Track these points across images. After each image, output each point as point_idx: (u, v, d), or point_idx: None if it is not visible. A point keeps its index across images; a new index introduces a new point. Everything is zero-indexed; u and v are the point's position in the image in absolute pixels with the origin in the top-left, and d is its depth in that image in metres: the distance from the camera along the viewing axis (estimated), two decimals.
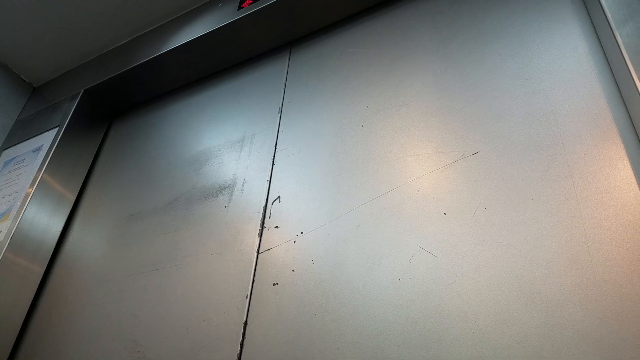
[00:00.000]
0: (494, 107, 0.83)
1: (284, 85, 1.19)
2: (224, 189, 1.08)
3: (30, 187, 1.24)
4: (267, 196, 1.00)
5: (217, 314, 0.88)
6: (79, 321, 1.07)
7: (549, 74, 0.81)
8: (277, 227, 0.94)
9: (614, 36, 0.71)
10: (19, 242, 1.16)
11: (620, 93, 0.73)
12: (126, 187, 1.28)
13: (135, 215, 1.18)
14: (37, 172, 1.27)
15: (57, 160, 1.29)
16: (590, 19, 0.82)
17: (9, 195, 1.28)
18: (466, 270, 0.68)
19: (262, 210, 0.98)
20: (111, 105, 1.49)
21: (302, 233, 0.89)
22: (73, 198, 1.33)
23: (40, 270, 1.20)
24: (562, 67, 0.81)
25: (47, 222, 1.24)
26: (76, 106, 1.37)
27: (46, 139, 1.34)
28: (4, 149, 1.45)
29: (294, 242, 0.89)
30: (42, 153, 1.30)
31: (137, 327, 0.97)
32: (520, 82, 0.83)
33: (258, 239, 0.94)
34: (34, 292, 1.18)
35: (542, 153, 0.73)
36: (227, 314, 0.87)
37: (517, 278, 0.65)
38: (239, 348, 0.81)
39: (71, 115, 1.35)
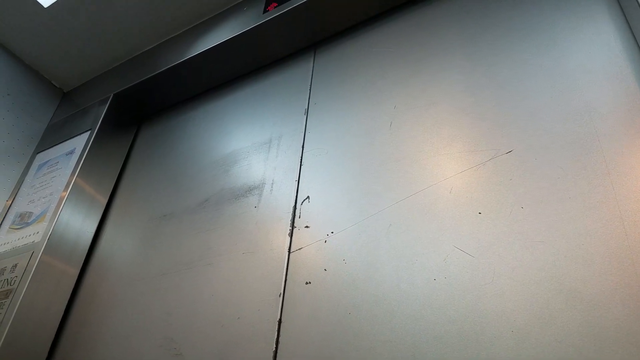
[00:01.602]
0: (527, 105, 0.82)
1: (309, 87, 1.21)
2: (254, 189, 1.10)
3: (64, 191, 1.28)
4: (296, 196, 1.01)
5: (251, 312, 0.90)
6: (114, 320, 1.10)
7: (582, 72, 0.80)
8: (307, 226, 0.95)
9: None
10: (54, 243, 1.20)
11: None
12: (157, 188, 1.31)
13: (167, 216, 1.21)
14: (70, 175, 1.31)
15: (90, 163, 1.33)
16: (625, 16, 0.81)
17: (43, 198, 1.33)
18: (504, 270, 0.69)
19: (291, 210, 1.00)
20: (140, 108, 1.53)
21: (332, 232, 0.90)
22: (105, 201, 1.37)
23: (75, 271, 1.23)
24: (596, 64, 0.80)
25: (80, 224, 1.28)
26: (106, 110, 1.41)
27: (78, 142, 1.38)
28: (38, 152, 1.50)
29: (325, 241, 0.90)
30: (75, 156, 1.34)
31: (172, 324, 0.99)
32: (552, 79, 0.82)
33: (289, 238, 0.96)
34: (70, 292, 1.21)
35: (578, 151, 0.73)
36: (261, 312, 0.89)
37: (556, 277, 0.65)
38: (275, 345, 0.83)
39: (102, 119, 1.39)
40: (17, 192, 1.42)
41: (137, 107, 1.51)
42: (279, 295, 0.89)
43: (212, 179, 1.20)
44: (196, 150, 1.31)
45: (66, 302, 1.19)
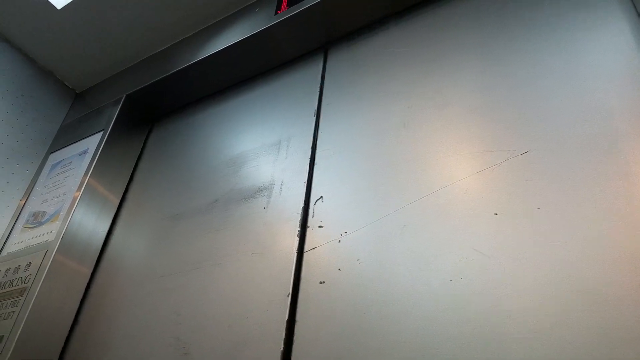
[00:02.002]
0: (543, 106, 0.82)
1: (320, 87, 1.20)
2: (262, 190, 1.10)
3: (77, 191, 1.29)
4: (309, 197, 1.01)
5: (259, 312, 0.90)
6: (125, 319, 1.11)
7: (599, 72, 0.79)
8: (320, 226, 0.95)
9: None
10: (68, 243, 1.21)
11: None
12: (168, 189, 1.32)
13: (177, 216, 1.21)
14: (83, 175, 1.32)
15: (103, 163, 1.34)
16: (639, 16, 0.80)
17: (57, 197, 1.34)
18: (521, 271, 0.68)
19: (300, 211, 0.99)
20: (152, 109, 1.54)
21: (346, 232, 0.90)
22: (117, 201, 1.38)
23: (88, 271, 1.24)
24: (613, 64, 0.79)
25: (93, 224, 1.29)
26: (119, 111, 1.42)
27: (92, 143, 1.39)
28: (51, 152, 1.51)
29: (339, 241, 0.90)
30: (89, 156, 1.36)
31: (180, 324, 0.99)
32: (569, 80, 0.82)
33: (297, 239, 0.95)
34: (83, 291, 1.22)
35: (596, 152, 0.72)
36: (269, 312, 0.88)
37: (573, 278, 0.64)
38: (283, 346, 0.82)
39: (115, 120, 1.40)
40: (31, 191, 1.43)
41: (149, 108, 1.52)
42: (287, 296, 0.88)
43: (222, 179, 1.20)
44: (206, 151, 1.32)
45: (79, 300, 1.20)
